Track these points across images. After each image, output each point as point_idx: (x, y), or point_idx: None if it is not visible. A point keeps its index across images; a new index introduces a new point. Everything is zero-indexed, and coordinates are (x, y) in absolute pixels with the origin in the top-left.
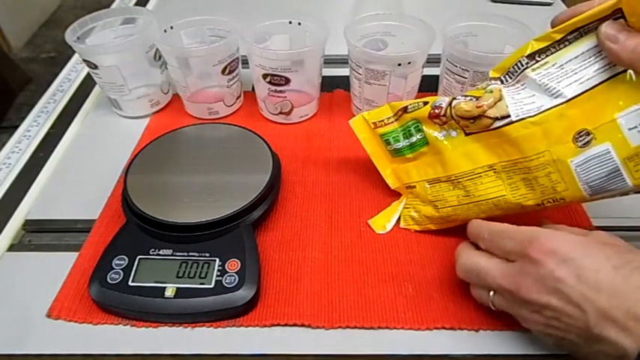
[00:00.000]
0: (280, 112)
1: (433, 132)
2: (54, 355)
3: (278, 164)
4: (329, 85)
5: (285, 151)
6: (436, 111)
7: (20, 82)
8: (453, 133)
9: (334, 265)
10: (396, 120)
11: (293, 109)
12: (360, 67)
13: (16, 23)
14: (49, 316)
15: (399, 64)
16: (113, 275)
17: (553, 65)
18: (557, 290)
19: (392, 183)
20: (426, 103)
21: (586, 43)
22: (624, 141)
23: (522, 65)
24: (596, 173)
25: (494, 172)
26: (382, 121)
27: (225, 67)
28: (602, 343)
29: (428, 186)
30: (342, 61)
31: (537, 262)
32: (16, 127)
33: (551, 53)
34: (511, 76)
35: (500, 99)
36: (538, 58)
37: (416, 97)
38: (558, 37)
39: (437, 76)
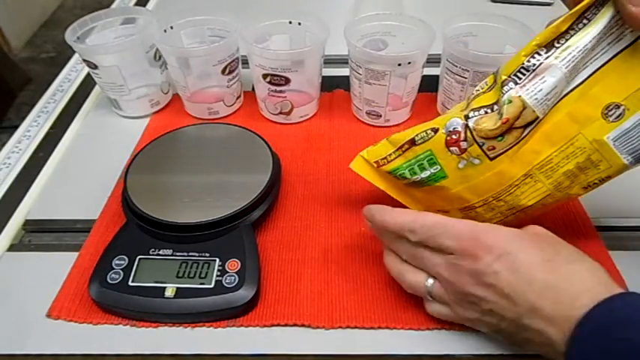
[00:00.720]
0: (280, 112)
1: (452, 162)
2: (54, 355)
3: (278, 164)
4: (329, 85)
5: (285, 151)
6: (454, 137)
7: (20, 82)
8: (475, 161)
9: (334, 265)
10: (402, 154)
11: (293, 109)
12: (360, 67)
13: (16, 23)
14: (49, 316)
15: (399, 64)
16: (113, 275)
17: (576, 48)
18: (492, 285)
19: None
20: (435, 130)
21: (602, 20)
22: None
23: (542, 56)
24: (637, 143)
25: (531, 178)
26: (385, 158)
27: (225, 67)
28: (531, 332)
29: (461, 212)
30: (342, 61)
31: (476, 257)
32: (16, 127)
33: (571, 37)
34: (524, 72)
35: (524, 107)
36: (557, 45)
37: (415, 97)
38: (574, 17)
39: (437, 76)
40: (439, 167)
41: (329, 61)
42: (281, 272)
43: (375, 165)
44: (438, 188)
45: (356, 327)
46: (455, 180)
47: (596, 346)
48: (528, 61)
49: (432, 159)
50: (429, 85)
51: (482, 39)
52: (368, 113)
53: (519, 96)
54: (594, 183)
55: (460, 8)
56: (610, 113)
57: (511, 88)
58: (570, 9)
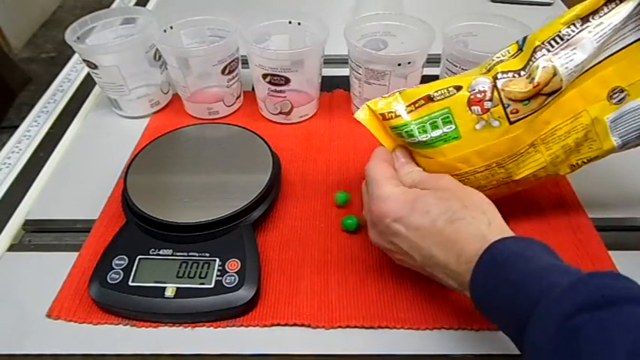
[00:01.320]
0: (280, 112)
1: (469, 123)
2: (54, 355)
3: (278, 164)
4: (329, 85)
5: (285, 151)
6: (478, 96)
7: (20, 82)
8: (495, 123)
9: (334, 264)
10: (415, 110)
11: (293, 109)
12: (360, 67)
13: (16, 23)
14: (49, 316)
15: (399, 64)
16: (113, 275)
17: (608, 26)
18: (392, 242)
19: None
20: (458, 88)
21: (632, 2)
22: None
23: (577, 28)
24: (629, 127)
25: (534, 147)
26: (392, 112)
27: (225, 67)
28: (438, 278)
29: (460, 178)
30: (342, 61)
31: (378, 218)
32: (16, 127)
33: (605, 14)
34: (558, 40)
35: (555, 74)
36: (592, 19)
37: None
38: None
39: (437, 76)
40: (454, 127)
41: (329, 61)
42: (281, 272)
43: (381, 117)
44: (441, 152)
45: (356, 327)
46: (467, 142)
47: (487, 287)
48: (565, 30)
49: (447, 117)
50: None
51: (482, 39)
52: None
53: (552, 61)
54: (583, 162)
55: (460, 8)
56: (614, 96)
57: (544, 55)
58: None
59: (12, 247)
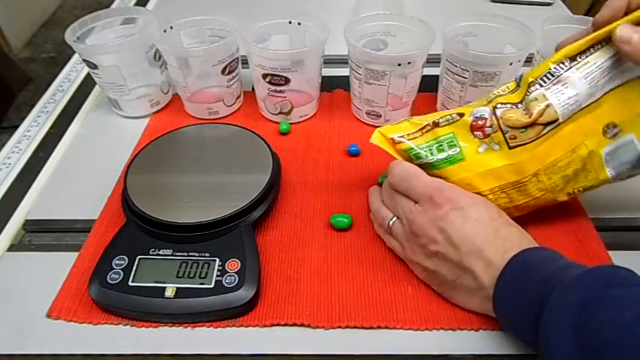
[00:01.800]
0: (280, 112)
1: (472, 146)
2: (54, 355)
3: (278, 164)
4: (329, 85)
5: (285, 151)
6: (479, 122)
7: (20, 82)
8: (496, 147)
9: (334, 264)
10: (422, 135)
11: (293, 109)
12: (360, 67)
13: (16, 23)
14: (49, 316)
15: (399, 64)
16: (113, 275)
17: (594, 64)
18: (443, 229)
19: None
20: (461, 115)
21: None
22: None
23: (565, 66)
24: (622, 159)
25: (536, 177)
26: (402, 136)
27: (225, 67)
28: (467, 277)
29: None
30: (342, 61)
31: (437, 204)
32: (16, 127)
33: (591, 54)
34: (550, 77)
35: (548, 105)
36: (579, 59)
37: (415, 97)
38: (598, 39)
39: (437, 76)
40: (458, 149)
41: (329, 61)
42: (281, 272)
43: (391, 141)
44: (446, 173)
45: (356, 327)
46: (471, 164)
47: (514, 283)
48: (555, 68)
49: (452, 141)
50: (429, 85)
51: (482, 39)
52: (368, 113)
53: (544, 95)
54: (579, 190)
55: (460, 8)
56: (609, 131)
57: (537, 89)
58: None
59: (12, 247)
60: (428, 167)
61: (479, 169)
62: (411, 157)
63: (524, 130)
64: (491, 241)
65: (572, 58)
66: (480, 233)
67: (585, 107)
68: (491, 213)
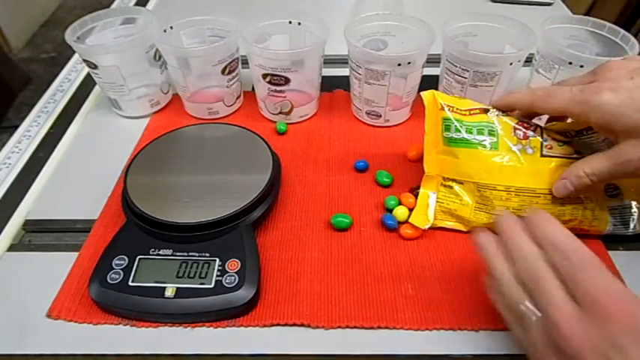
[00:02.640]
0: (280, 112)
1: (509, 142)
2: (54, 355)
3: (278, 164)
4: (329, 85)
5: (285, 151)
6: (525, 125)
7: (20, 82)
8: (529, 151)
9: (334, 265)
10: (470, 115)
11: (293, 109)
12: (360, 67)
13: (16, 23)
14: (49, 316)
15: (399, 64)
16: (113, 275)
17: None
18: (612, 359)
19: (429, 170)
20: (508, 115)
21: None
22: None
23: (571, 135)
24: (621, 215)
25: (551, 197)
26: (452, 107)
27: (225, 67)
28: None
29: (478, 189)
30: (342, 61)
31: (608, 316)
32: (16, 127)
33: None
34: (583, 132)
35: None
36: (585, 133)
37: (415, 97)
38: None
39: (437, 76)
40: (496, 140)
41: (329, 61)
42: (281, 272)
43: (441, 106)
44: (477, 154)
45: (355, 327)
46: (501, 155)
47: None
48: (567, 133)
49: (493, 131)
50: (429, 85)
51: (482, 39)
52: (368, 113)
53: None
54: (581, 229)
55: (460, 8)
56: (609, 191)
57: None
58: None
59: (12, 247)
60: (459, 143)
61: (505, 164)
62: (451, 127)
63: (562, 144)
64: None
65: (580, 132)
66: None
67: None
68: None
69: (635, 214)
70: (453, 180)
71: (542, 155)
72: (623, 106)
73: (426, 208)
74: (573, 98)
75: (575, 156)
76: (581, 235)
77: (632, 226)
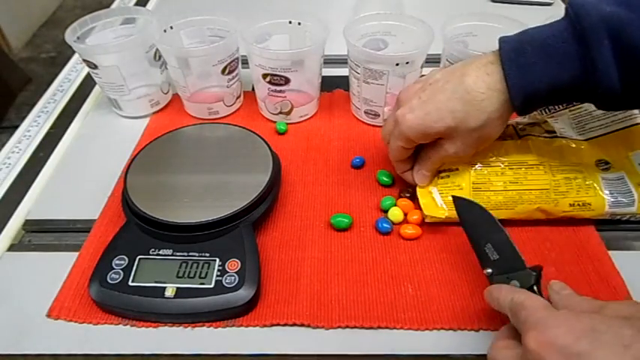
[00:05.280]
0: (280, 112)
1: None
2: (54, 355)
3: (278, 164)
4: (329, 85)
5: (285, 150)
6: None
7: (20, 82)
8: (508, 139)
9: (334, 265)
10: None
11: (293, 109)
12: (359, 67)
13: (16, 23)
14: (49, 316)
15: (397, 64)
16: (113, 275)
17: (585, 110)
18: None
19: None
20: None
21: None
22: (635, 172)
23: (562, 107)
24: (617, 190)
25: (543, 167)
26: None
27: (225, 67)
28: None
29: (473, 169)
30: (342, 61)
31: (536, 356)
32: (16, 127)
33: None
34: (547, 111)
35: (544, 121)
36: (574, 104)
37: None
38: None
39: None
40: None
41: (329, 61)
42: (281, 272)
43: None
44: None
45: (355, 327)
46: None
47: None
48: (553, 107)
49: None
50: None
51: (482, 39)
52: (366, 112)
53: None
54: (578, 204)
55: (460, 8)
56: (601, 165)
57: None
58: None
59: (12, 247)
60: None
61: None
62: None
63: (532, 126)
64: None
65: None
66: None
67: (578, 140)
68: (631, 346)
69: (632, 187)
70: (448, 170)
71: (520, 137)
72: (424, 122)
73: (434, 200)
74: (395, 135)
75: (544, 135)
76: (585, 222)
77: (635, 197)
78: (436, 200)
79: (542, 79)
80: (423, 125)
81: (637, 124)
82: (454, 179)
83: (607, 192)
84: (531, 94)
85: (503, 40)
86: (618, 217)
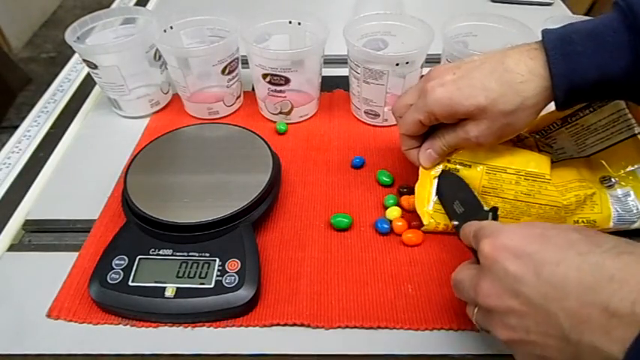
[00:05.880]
0: (280, 112)
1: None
2: (54, 355)
3: (278, 164)
4: (329, 85)
5: (285, 151)
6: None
7: (20, 82)
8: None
9: (334, 265)
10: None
11: (293, 108)
12: (359, 67)
13: (16, 23)
14: (49, 316)
15: (397, 64)
16: (113, 275)
17: (582, 126)
18: (516, 292)
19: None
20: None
21: (605, 112)
22: None
23: (557, 126)
24: (623, 206)
25: (556, 185)
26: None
27: (225, 67)
28: (585, 353)
29: (486, 171)
30: (342, 61)
31: (490, 260)
32: (16, 127)
33: (580, 117)
34: (543, 133)
35: (532, 147)
36: (570, 121)
37: None
38: (582, 105)
39: None
40: None
41: (329, 61)
42: (281, 272)
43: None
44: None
45: (355, 327)
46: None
47: None
48: (549, 127)
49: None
50: None
51: (482, 39)
52: (366, 112)
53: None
54: (582, 221)
55: (460, 8)
56: (605, 181)
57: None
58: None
59: (12, 247)
60: None
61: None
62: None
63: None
64: (594, 293)
65: (564, 119)
66: (570, 286)
67: (579, 158)
68: (575, 244)
69: (638, 203)
70: (461, 163)
71: (539, 150)
72: (454, 97)
73: (430, 186)
74: (418, 107)
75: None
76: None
77: (635, 211)
78: (433, 184)
79: (589, 68)
80: (452, 100)
81: (635, 134)
82: (463, 174)
83: (613, 209)
84: (577, 83)
85: (546, 31)
86: (621, 230)
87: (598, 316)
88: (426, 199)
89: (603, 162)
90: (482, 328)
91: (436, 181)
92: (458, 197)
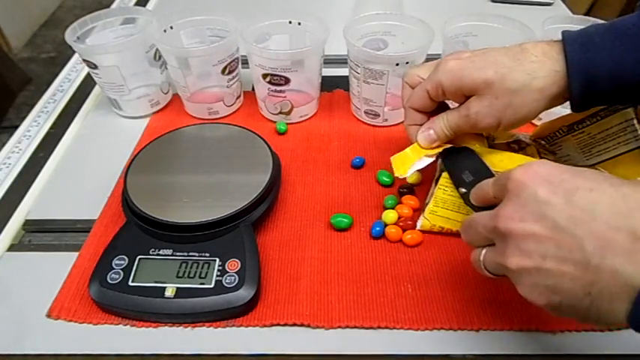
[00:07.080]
0: (280, 112)
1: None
2: (54, 355)
3: (278, 164)
4: (329, 85)
5: (285, 151)
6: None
7: (20, 82)
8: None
9: (334, 264)
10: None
11: (293, 109)
12: (359, 67)
13: (16, 23)
14: (49, 316)
15: (397, 64)
16: (113, 275)
17: (588, 134)
18: (542, 215)
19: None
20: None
21: (613, 121)
22: None
23: (563, 132)
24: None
25: None
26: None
27: (225, 67)
28: (603, 279)
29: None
30: (342, 61)
31: (519, 185)
32: (16, 127)
33: (587, 125)
34: (549, 139)
35: (533, 155)
36: (576, 128)
37: None
38: (590, 113)
39: None
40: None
41: (329, 61)
42: (281, 272)
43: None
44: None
45: (355, 327)
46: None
47: None
48: (554, 133)
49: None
50: None
51: (482, 39)
52: (366, 112)
53: (533, 147)
54: None
55: (460, 8)
56: None
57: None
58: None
59: (12, 247)
60: None
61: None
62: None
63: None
64: (624, 218)
65: (570, 127)
66: (601, 210)
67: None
68: (608, 177)
69: None
70: None
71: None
72: (465, 69)
73: (412, 160)
74: (429, 78)
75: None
76: None
77: None
78: (414, 161)
79: (605, 59)
80: (462, 72)
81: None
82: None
83: None
84: (593, 75)
85: (564, 31)
86: None
87: (624, 239)
88: (406, 166)
89: (607, 172)
90: (489, 268)
91: (426, 159)
92: (467, 167)
